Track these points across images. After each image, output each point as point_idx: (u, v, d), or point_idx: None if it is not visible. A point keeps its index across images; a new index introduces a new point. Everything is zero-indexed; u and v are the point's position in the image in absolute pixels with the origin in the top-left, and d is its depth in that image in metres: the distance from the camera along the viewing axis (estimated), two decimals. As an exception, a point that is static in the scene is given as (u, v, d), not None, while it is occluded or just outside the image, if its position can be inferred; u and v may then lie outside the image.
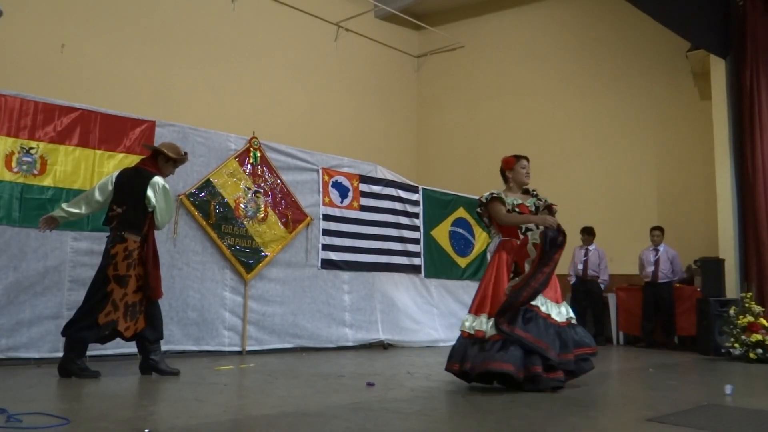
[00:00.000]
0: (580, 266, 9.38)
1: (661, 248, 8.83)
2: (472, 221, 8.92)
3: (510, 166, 4.89)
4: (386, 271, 7.93)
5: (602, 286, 9.30)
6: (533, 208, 4.81)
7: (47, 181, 5.48)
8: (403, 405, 3.85)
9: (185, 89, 9.06)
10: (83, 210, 4.86)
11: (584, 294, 9.28)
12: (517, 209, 4.73)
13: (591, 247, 9.43)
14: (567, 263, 9.69)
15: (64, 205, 4.88)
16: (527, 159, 4.91)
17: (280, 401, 3.82)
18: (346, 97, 11.38)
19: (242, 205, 6.69)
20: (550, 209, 4.95)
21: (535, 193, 4.95)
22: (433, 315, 8.29)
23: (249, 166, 6.82)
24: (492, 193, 4.78)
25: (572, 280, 9.44)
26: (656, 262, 8.74)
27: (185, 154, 5.07)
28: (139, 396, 4.09)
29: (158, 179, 4.81)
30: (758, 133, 8.34)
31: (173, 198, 5.84)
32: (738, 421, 3.49)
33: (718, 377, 5.69)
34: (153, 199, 4.74)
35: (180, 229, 6.23)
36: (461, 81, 12.18)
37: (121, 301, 4.62)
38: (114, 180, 4.85)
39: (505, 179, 4.93)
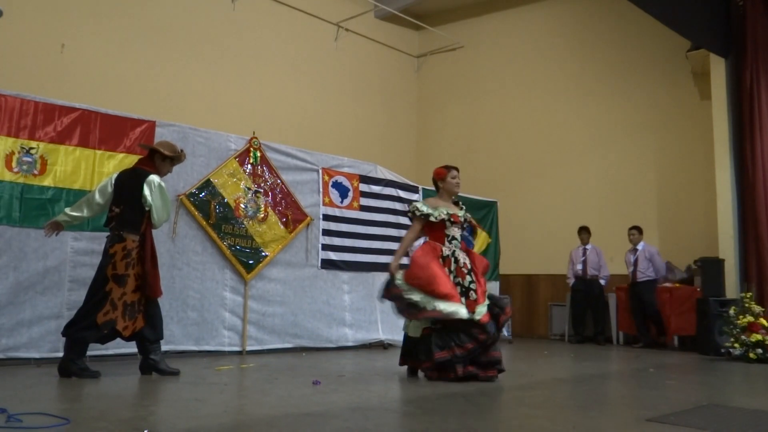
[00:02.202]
0: (579, 266, 9.37)
1: (640, 247, 8.86)
2: (472, 221, 8.92)
3: (441, 177, 5.22)
4: (386, 271, 7.91)
5: (603, 282, 9.29)
6: (463, 219, 5.16)
7: (47, 181, 5.48)
8: (403, 405, 3.85)
9: (185, 89, 9.06)
10: (85, 213, 4.88)
11: (584, 294, 9.27)
12: (451, 219, 5.05)
13: (588, 246, 9.42)
14: (564, 265, 9.70)
15: (66, 210, 4.90)
16: (457, 169, 5.27)
17: (280, 401, 3.82)
18: (346, 97, 11.38)
19: (242, 205, 6.69)
20: (473, 230, 5.45)
21: (462, 207, 5.29)
22: (433, 315, 8.28)
23: (249, 166, 6.82)
24: (416, 211, 5.07)
25: (571, 281, 9.44)
26: (635, 262, 8.78)
27: (182, 151, 5.07)
28: (139, 396, 4.09)
29: (154, 177, 4.81)
30: (758, 133, 8.34)
31: (172, 197, 5.85)
32: (738, 421, 3.49)
33: (718, 377, 5.69)
34: (149, 198, 4.74)
35: (180, 229, 6.23)
36: (461, 81, 12.18)
37: (120, 301, 4.62)
38: (113, 182, 4.86)
39: (437, 188, 5.26)
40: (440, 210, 5.05)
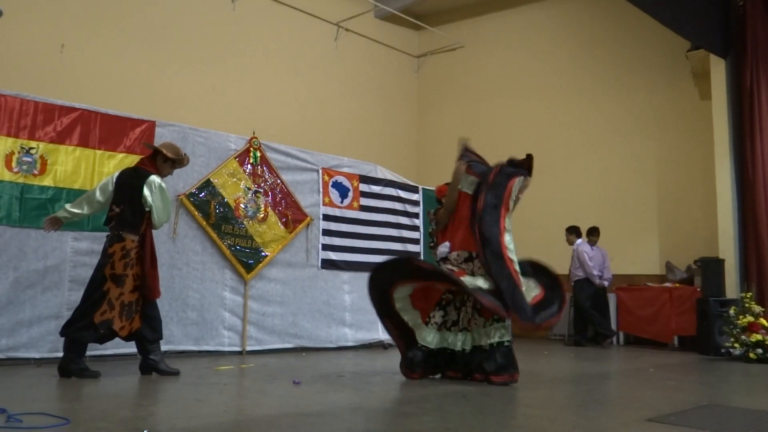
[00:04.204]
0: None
1: (574, 246, 9.22)
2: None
3: (444, 194, 5.27)
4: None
5: (606, 284, 9.27)
6: None
7: (47, 181, 5.48)
8: (403, 405, 3.85)
9: (185, 89, 9.06)
10: (85, 210, 4.88)
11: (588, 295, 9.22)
12: None
13: (595, 247, 9.38)
14: (564, 265, 9.67)
15: (67, 206, 4.90)
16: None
17: (280, 401, 3.82)
18: (346, 97, 11.38)
19: (242, 205, 6.69)
20: None
21: None
22: (433, 315, 8.28)
23: (249, 166, 6.82)
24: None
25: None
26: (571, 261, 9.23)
27: (185, 155, 5.06)
28: (139, 396, 4.09)
29: (154, 178, 4.80)
30: (758, 133, 8.34)
31: (172, 197, 5.85)
32: (738, 421, 3.49)
33: (718, 377, 5.69)
34: (149, 198, 4.74)
35: (180, 229, 6.23)
36: (461, 81, 12.18)
37: (117, 300, 4.61)
38: (114, 180, 4.86)
39: (442, 205, 5.29)
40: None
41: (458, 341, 4.90)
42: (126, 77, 8.47)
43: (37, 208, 5.38)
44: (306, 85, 10.74)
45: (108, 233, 4.78)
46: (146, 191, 4.73)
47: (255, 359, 6.11)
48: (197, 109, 8.91)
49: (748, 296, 7.21)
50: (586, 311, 8.93)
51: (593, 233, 9.39)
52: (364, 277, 7.65)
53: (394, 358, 6.57)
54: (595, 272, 9.18)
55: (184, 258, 6.23)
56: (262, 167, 6.91)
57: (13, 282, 5.24)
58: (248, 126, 7.32)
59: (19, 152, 5.37)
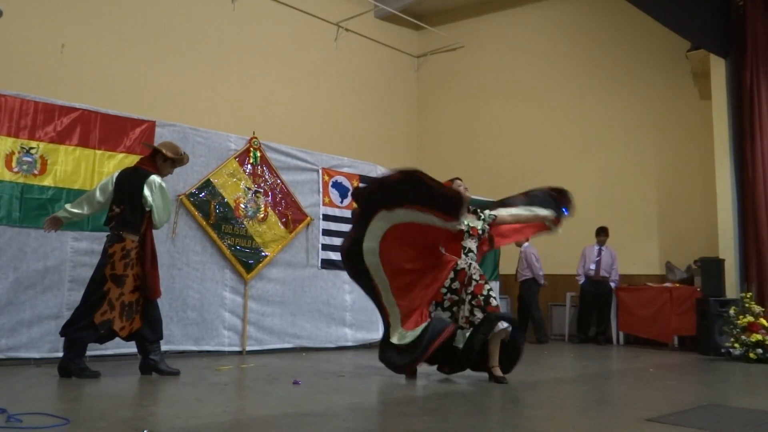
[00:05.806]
0: (593, 266, 9.31)
1: (522, 248, 9.40)
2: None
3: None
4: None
5: (613, 285, 9.25)
6: (481, 231, 5.16)
7: (47, 181, 5.48)
8: (403, 405, 3.85)
9: (185, 89, 9.06)
10: (86, 210, 4.87)
11: (594, 295, 9.22)
12: (470, 231, 5.09)
13: (603, 247, 9.37)
14: (564, 265, 9.67)
15: (67, 206, 4.89)
16: (460, 179, 5.35)
17: (280, 401, 3.82)
18: (346, 97, 11.38)
19: (242, 205, 6.69)
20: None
21: (481, 216, 5.27)
22: (433, 315, 8.28)
23: (249, 166, 6.82)
24: None
25: (581, 280, 9.38)
26: (518, 262, 9.45)
27: (184, 154, 5.06)
28: (139, 396, 4.09)
29: (155, 178, 4.80)
30: (758, 133, 8.34)
31: (172, 197, 5.85)
32: (738, 421, 3.49)
33: (718, 377, 5.69)
34: (150, 198, 4.73)
35: (180, 229, 6.23)
36: (461, 81, 12.18)
37: (117, 301, 4.61)
38: (114, 180, 4.86)
39: None
40: (464, 220, 5.08)
41: (460, 339, 4.89)
42: (126, 77, 8.47)
43: (37, 208, 5.37)
44: (306, 85, 10.74)
45: (108, 233, 4.78)
46: (146, 191, 4.73)
47: (255, 359, 6.11)
48: (197, 109, 8.91)
49: (748, 296, 7.22)
50: (530, 311, 9.29)
51: (601, 233, 9.36)
52: (364, 277, 7.71)
53: (394, 358, 6.58)
54: (541, 273, 9.38)
55: (184, 258, 6.23)
56: (262, 167, 6.91)
57: (13, 282, 5.24)
58: (248, 126, 7.32)
59: (19, 152, 5.36)
